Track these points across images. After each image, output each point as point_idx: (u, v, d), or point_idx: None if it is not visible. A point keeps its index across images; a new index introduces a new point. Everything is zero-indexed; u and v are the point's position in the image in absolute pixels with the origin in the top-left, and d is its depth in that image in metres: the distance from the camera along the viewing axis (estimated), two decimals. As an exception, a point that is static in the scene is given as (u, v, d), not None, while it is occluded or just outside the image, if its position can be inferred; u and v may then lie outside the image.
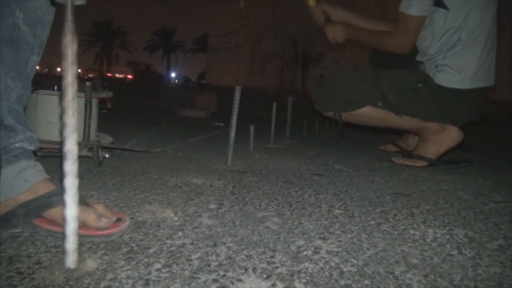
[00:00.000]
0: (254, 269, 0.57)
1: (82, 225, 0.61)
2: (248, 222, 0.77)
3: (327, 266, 0.60)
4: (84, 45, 45.77)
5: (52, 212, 0.62)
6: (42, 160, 0.74)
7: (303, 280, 0.55)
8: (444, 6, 1.48)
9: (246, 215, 0.81)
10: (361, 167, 1.45)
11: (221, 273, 0.55)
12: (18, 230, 0.63)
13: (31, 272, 0.52)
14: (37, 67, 0.69)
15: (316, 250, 0.65)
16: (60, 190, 0.50)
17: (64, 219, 0.50)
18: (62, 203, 0.50)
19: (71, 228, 0.50)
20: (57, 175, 0.92)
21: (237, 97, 1.24)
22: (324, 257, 0.63)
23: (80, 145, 1.11)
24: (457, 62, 1.50)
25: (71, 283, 0.50)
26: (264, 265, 0.58)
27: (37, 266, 0.53)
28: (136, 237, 0.66)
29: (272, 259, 0.61)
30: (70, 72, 0.49)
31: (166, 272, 0.54)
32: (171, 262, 0.57)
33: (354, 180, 1.22)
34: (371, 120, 1.64)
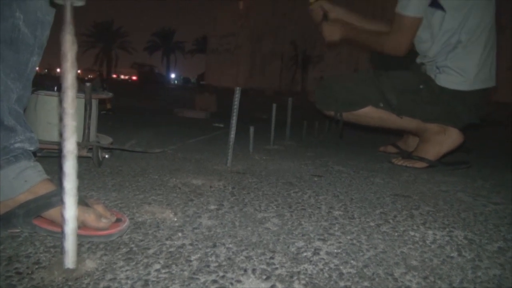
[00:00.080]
0: (254, 270, 0.57)
1: (81, 225, 0.61)
2: (248, 223, 0.77)
3: (327, 268, 0.60)
4: (84, 46, 45.79)
5: (51, 213, 0.62)
6: (41, 160, 0.74)
7: (303, 282, 0.55)
8: (441, 8, 1.48)
9: (246, 216, 0.81)
10: (361, 168, 1.45)
11: (221, 274, 0.55)
12: (17, 230, 0.63)
13: (30, 272, 0.52)
14: (37, 68, 0.69)
15: (316, 251, 0.65)
16: (60, 191, 0.50)
17: (63, 219, 0.50)
18: (61, 203, 0.50)
19: (70, 228, 0.50)
20: (57, 176, 0.92)
21: (237, 98, 1.25)
22: (323, 259, 0.63)
23: (80, 145, 1.11)
24: (458, 64, 1.50)
25: (70, 283, 0.49)
26: (264, 266, 0.58)
27: (36, 266, 0.53)
28: (136, 237, 0.66)
29: (272, 260, 0.61)
30: (69, 73, 0.49)
31: (165, 273, 0.54)
32: (170, 262, 0.57)
33: (354, 181, 1.22)
34: (372, 120, 1.64)
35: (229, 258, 0.60)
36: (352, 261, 0.62)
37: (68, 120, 0.49)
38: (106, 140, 1.30)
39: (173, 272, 0.55)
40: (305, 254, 0.64)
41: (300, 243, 0.69)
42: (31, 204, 0.62)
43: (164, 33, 48.97)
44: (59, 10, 0.52)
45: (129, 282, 0.51)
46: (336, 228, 0.78)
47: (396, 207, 0.97)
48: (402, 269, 0.61)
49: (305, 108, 2.92)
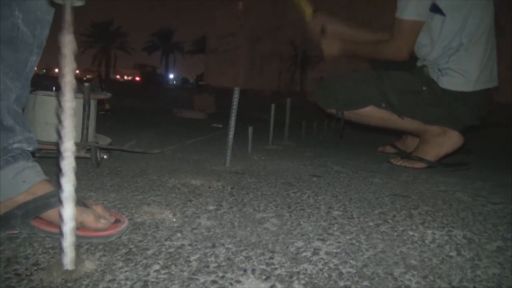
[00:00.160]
0: (253, 271, 0.57)
1: (80, 226, 0.61)
2: (247, 223, 0.77)
3: (326, 267, 0.60)
4: (83, 46, 45.73)
5: (50, 213, 0.62)
6: (40, 161, 0.74)
7: (302, 282, 0.55)
8: (440, 11, 1.48)
9: (245, 216, 0.81)
10: (360, 169, 1.45)
11: (220, 274, 0.55)
12: (16, 232, 0.63)
13: (29, 274, 0.51)
14: (35, 68, 0.69)
15: (315, 251, 0.65)
16: (58, 191, 0.50)
17: (62, 220, 0.50)
18: (60, 204, 0.50)
19: (69, 229, 0.50)
20: (55, 176, 0.92)
21: (236, 99, 1.24)
22: (323, 258, 0.63)
23: (78, 146, 1.11)
24: (461, 66, 1.50)
25: (69, 284, 0.49)
26: (263, 266, 0.58)
27: (35, 268, 0.53)
28: (135, 238, 0.66)
29: (271, 260, 0.61)
30: (68, 73, 0.48)
31: (164, 274, 0.54)
32: (169, 263, 0.57)
33: (352, 182, 1.22)
34: (373, 120, 1.65)
35: (228, 259, 0.60)
36: (351, 261, 0.62)
37: (67, 120, 0.49)
38: (105, 141, 1.30)
39: (173, 272, 0.55)
40: (304, 254, 0.64)
41: (300, 243, 0.68)
42: (29, 205, 0.62)
43: (163, 33, 48.96)
44: (58, 10, 0.52)
45: (128, 283, 0.51)
46: (335, 228, 0.78)
47: (395, 207, 0.97)
48: (402, 269, 0.61)
49: (304, 108, 2.92)
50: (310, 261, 0.62)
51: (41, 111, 1.14)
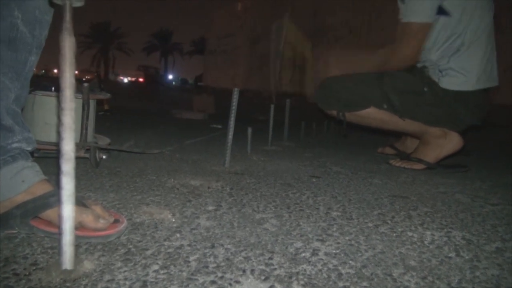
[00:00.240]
0: (252, 271, 0.57)
1: (79, 226, 0.61)
2: (246, 224, 0.77)
3: (325, 268, 0.60)
4: (82, 46, 45.72)
5: (49, 213, 0.62)
6: (38, 161, 0.74)
7: (301, 282, 0.55)
8: (446, 13, 1.48)
9: (244, 217, 0.81)
10: (359, 169, 1.45)
11: (219, 274, 0.55)
12: (14, 231, 0.63)
13: (27, 273, 0.51)
14: (34, 69, 0.69)
15: (314, 252, 0.65)
16: (58, 191, 0.50)
17: (61, 220, 0.50)
18: (59, 204, 0.50)
19: (68, 229, 0.50)
20: (54, 176, 0.92)
21: (235, 99, 1.24)
22: (322, 259, 0.63)
23: (78, 146, 1.10)
24: (461, 65, 1.50)
25: (68, 284, 0.49)
26: (262, 267, 0.58)
27: (34, 267, 0.53)
28: (134, 238, 0.65)
29: (270, 261, 0.61)
30: (68, 73, 0.48)
31: (163, 274, 0.54)
32: (168, 263, 0.57)
33: (352, 182, 1.22)
34: (374, 121, 1.64)
35: (227, 259, 0.60)
36: (350, 262, 0.62)
37: (66, 119, 0.49)
38: (104, 141, 1.30)
39: (172, 272, 0.55)
40: (303, 254, 0.64)
41: (299, 244, 0.68)
42: (28, 204, 0.62)
43: (162, 34, 48.94)
44: (57, 10, 0.52)
45: (127, 283, 0.51)
46: (335, 229, 0.78)
47: (394, 208, 0.97)
48: (401, 270, 0.61)
49: (303, 109, 2.92)
50: (309, 261, 0.62)
51: (40, 111, 1.14)
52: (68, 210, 0.50)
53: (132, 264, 0.56)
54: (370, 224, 0.82)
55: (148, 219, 0.75)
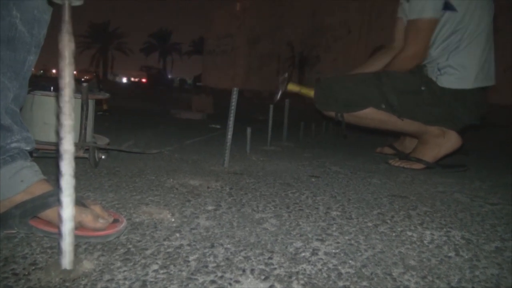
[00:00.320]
0: (252, 271, 0.57)
1: (78, 226, 0.61)
2: (246, 224, 0.77)
3: (325, 268, 0.60)
4: (80, 46, 45.63)
5: (48, 213, 0.62)
6: (37, 161, 0.74)
7: (301, 282, 0.55)
8: (453, 8, 1.48)
9: (244, 217, 0.81)
10: (358, 169, 1.45)
11: (219, 274, 0.55)
12: (13, 231, 0.63)
13: (26, 273, 0.51)
14: (33, 69, 0.69)
15: (314, 252, 0.65)
16: (57, 191, 0.50)
17: (60, 220, 0.50)
18: (58, 203, 0.50)
19: (67, 228, 0.50)
20: (53, 176, 0.92)
21: (234, 99, 1.24)
22: (322, 259, 0.63)
23: (77, 146, 1.10)
24: (460, 62, 1.51)
25: (67, 284, 0.49)
26: (262, 267, 0.58)
27: (33, 267, 0.53)
28: (133, 238, 0.65)
29: (270, 261, 0.60)
30: (67, 72, 0.48)
31: (163, 273, 0.54)
32: (168, 263, 0.57)
33: (351, 182, 1.22)
34: (372, 122, 1.64)
35: (227, 259, 0.60)
36: (350, 261, 0.62)
37: (65, 119, 0.49)
38: (103, 141, 1.30)
39: (171, 272, 0.54)
40: (303, 254, 0.64)
41: (298, 244, 0.68)
42: (27, 204, 0.62)
43: (161, 34, 48.91)
44: (56, 9, 0.52)
45: (127, 283, 0.51)
46: (334, 229, 0.78)
47: (394, 207, 0.97)
48: (401, 269, 0.61)
49: (302, 109, 2.92)
50: (309, 261, 0.62)
51: (39, 111, 1.14)
52: (67, 210, 0.50)
53: (131, 264, 0.56)
54: (369, 224, 0.82)
55: (147, 219, 0.75)
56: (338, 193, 1.07)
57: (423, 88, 1.54)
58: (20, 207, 0.62)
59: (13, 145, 0.64)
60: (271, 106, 1.81)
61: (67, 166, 0.49)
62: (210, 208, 0.85)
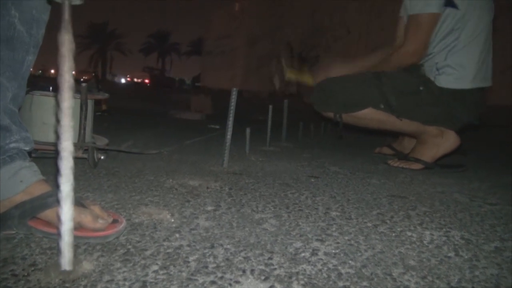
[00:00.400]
0: (252, 271, 0.57)
1: (78, 226, 0.61)
2: (245, 224, 0.77)
3: (325, 268, 0.59)
4: (80, 47, 45.51)
5: (47, 213, 0.62)
6: (36, 161, 0.73)
7: (301, 282, 0.54)
8: (454, 5, 1.48)
9: (243, 217, 0.81)
10: (357, 170, 1.45)
11: (219, 275, 0.55)
12: (12, 232, 0.63)
13: (26, 274, 0.51)
14: (31, 69, 0.69)
15: (314, 252, 0.65)
16: (56, 191, 0.50)
17: (59, 220, 0.49)
18: (57, 204, 0.50)
19: (66, 229, 0.50)
20: (52, 177, 0.92)
21: (233, 99, 1.24)
22: (322, 259, 0.63)
23: (76, 146, 1.10)
24: (459, 61, 1.51)
25: (67, 285, 0.49)
26: (262, 267, 0.58)
27: (32, 268, 0.53)
28: (133, 238, 0.65)
29: (270, 261, 0.60)
30: (66, 72, 0.48)
31: (163, 274, 0.54)
32: (168, 264, 0.57)
33: (350, 182, 1.22)
34: (371, 122, 1.63)
35: (227, 259, 0.60)
36: (350, 261, 0.62)
37: (65, 119, 0.48)
38: (102, 141, 1.29)
39: (171, 273, 0.54)
40: (303, 254, 0.64)
41: (298, 244, 0.68)
42: (26, 205, 0.61)
43: (160, 34, 48.87)
44: (56, 9, 0.52)
45: (126, 283, 0.51)
46: (334, 229, 0.78)
47: (393, 207, 0.97)
48: (400, 269, 0.61)
49: (301, 109, 2.93)
50: (309, 261, 0.61)
51: (38, 111, 1.14)
52: (66, 211, 0.49)
53: (131, 264, 0.56)
54: (369, 224, 0.82)
55: (147, 220, 0.75)
56: (337, 194, 1.07)
57: (421, 88, 1.54)
58: (19, 207, 0.62)
59: (12, 145, 0.64)
60: (270, 107, 1.81)
61: (66, 167, 0.49)
62: (209, 208, 0.85)
